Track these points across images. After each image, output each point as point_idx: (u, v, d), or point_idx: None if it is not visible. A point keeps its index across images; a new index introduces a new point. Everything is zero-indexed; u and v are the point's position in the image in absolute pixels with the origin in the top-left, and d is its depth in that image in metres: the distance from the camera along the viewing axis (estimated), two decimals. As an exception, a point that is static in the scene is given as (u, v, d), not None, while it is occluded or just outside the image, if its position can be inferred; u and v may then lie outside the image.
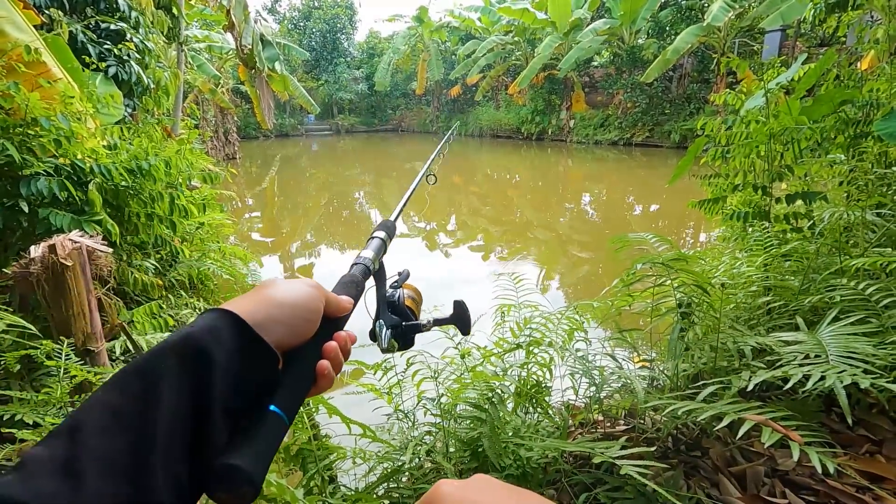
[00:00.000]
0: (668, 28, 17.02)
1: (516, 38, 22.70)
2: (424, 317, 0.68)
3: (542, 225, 8.86)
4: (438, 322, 0.67)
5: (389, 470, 1.54)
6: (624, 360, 1.92)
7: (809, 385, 1.14)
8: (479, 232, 8.45)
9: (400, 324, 0.64)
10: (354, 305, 0.54)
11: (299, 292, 0.44)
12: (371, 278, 0.62)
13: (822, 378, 1.14)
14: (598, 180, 13.61)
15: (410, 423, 1.77)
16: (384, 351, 0.62)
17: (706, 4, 15.54)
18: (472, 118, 27.48)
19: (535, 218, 9.48)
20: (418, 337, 0.66)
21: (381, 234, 0.67)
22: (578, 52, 17.83)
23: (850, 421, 1.13)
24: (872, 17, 7.08)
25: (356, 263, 0.61)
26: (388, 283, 0.66)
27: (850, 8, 5.70)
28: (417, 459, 1.60)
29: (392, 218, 0.74)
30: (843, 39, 9.17)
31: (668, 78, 17.81)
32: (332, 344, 0.46)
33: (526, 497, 0.32)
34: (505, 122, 24.99)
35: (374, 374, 1.76)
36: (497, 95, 26.17)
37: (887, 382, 1.08)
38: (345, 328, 0.51)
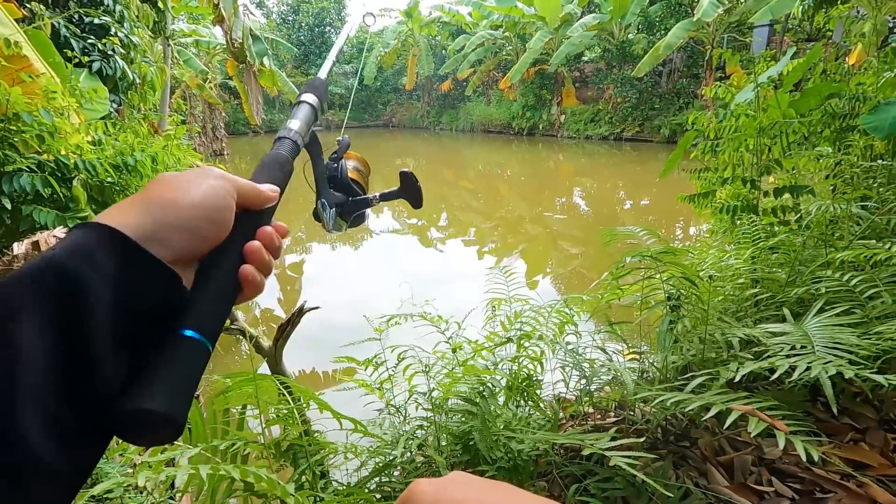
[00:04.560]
0: (657, 23, 17.09)
1: (507, 33, 22.64)
2: (373, 190, 0.60)
3: (533, 220, 8.89)
4: (385, 196, 0.60)
5: (381, 464, 1.54)
6: (614, 352, 1.93)
7: (795, 375, 1.15)
8: (470, 227, 8.45)
9: (346, 200, 0.57)
10: (282, 191, 0.46)
11: (199, 187, 0.36)
12: (305, 152, 0.54)
13: (808, 368, 1.15)
14: (588, 175, 13.66)
15: (402, 418, 1.77)
16: (330, 231, 0.56)
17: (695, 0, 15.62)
18: (462, 113, 27.39)
19: (527, 213, 9.50)
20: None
21: (310, 97, 0.55)
22: (569, 48, 17.85)
23: (835, 410, 1.15)
24: (859, 12, 7.15)
25: (281, 138, 0.49)
26: (326, 155, 0.59)
27: (838, 3, 5.76)
28: (409, 453, 1.61)
29: (321, 75, 0.59)
30: (831, 34, 9.26)
31: (658, 73, 17.90)
32: (255, 244, 0.40)
33: (503, 490, 0.31)
34: (496, 117, 24.95)
35: (365, 369, 1.76)
36: (488, 90, 26.10)
37: (871, 372, 1.10)
38: (272, 221, 0.43)
